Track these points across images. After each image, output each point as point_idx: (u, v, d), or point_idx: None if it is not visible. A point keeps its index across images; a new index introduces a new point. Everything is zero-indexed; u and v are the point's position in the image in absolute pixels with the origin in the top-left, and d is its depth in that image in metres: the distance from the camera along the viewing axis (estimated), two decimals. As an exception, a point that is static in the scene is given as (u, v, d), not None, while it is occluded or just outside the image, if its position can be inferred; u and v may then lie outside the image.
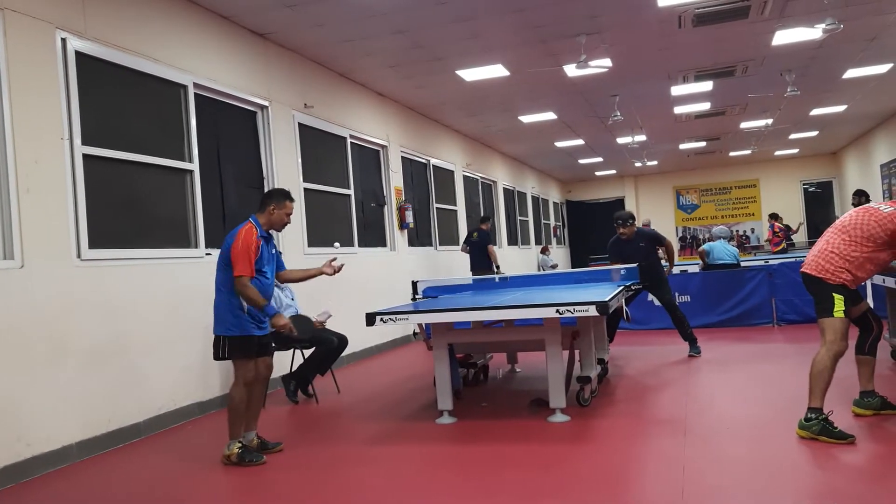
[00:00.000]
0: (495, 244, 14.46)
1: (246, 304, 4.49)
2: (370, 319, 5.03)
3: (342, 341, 6.44)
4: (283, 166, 7.76)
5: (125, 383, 5.33)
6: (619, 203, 25.24)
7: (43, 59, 4.93)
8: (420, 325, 6.11)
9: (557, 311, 4.59)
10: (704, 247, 10.82)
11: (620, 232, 7.53)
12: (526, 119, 13.25)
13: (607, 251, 7.77)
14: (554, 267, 19.27)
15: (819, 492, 3.38)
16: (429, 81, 10.00)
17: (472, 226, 13.14)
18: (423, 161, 12.20)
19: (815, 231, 20.97)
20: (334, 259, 5.14)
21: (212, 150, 6.79)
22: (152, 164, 5.93)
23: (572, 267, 23.55)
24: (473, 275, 11.08)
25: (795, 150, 21.47)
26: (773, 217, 16.74)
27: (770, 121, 15.41)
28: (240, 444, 4.54)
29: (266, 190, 7.49)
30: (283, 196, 4.81)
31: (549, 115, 13.11)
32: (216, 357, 4.61)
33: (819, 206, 23.03)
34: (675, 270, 10.48)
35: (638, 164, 21.39)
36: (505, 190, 17.29)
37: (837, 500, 3.22)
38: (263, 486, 4.07)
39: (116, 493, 4.17)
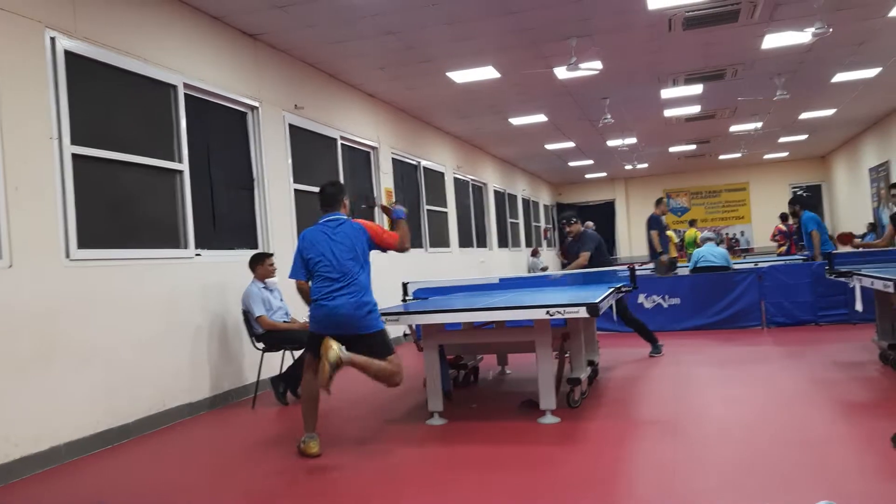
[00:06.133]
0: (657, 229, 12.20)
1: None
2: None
3: (332, 343, 6.41)
4: (274, 167, 7.74)
5: (114, 384, 5.30)
6: (610, 205, 25.32)
7: (32, 58, 4.91)
8: (410, 327, 6.12)
9: (547, 312, 4.60)
10: (693, 255, 10.80)
11: (568, 231, 7.87)
12: (516, 121, 13.27)
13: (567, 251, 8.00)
14: (544, 269, 19.29)
15: (810, 492, 3.39)
16: (419, 83, 10.00)
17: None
18: (414, 163, 12.20)
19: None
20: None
21: (202, 150, 6.77)
22: (142, 164, 5.91)
23: (562, 269, 23.59)
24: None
25: (785, 154, 21.60)
26: (782, 217, 16.29)
27: (760, 124, 15.50)
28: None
29: (254, 190, 7.50)
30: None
31: (540, 118, 13.14)
32: (390, 351, 4.51)
33: (808, 210, 23.13)
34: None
35: (628, 167, 21.47)
36: (495, 192, 17.31)
37: (830, 500, 3.24)
38: (251, 488, 4.06)
39: (105, 495, 4.14)
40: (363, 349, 4.52)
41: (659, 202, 11.59)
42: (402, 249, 4.74)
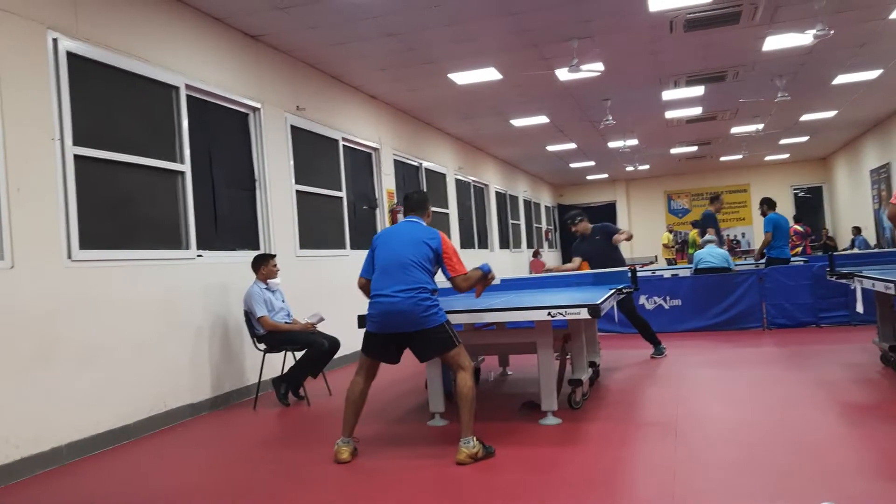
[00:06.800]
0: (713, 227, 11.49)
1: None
2: (362, 322, 5.01)
3: (334, 344, 6.42)
4: (276, 168, 7.75)
5: (115, 385, 5.31)
6: (611, 207, 25.33)
7: (34, 59, 4.92)
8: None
9: (549, 313, 4.60)
10: (694, 256, 10.78)
11: (574, 230, 7.74)
12: (518, 123, 13.28)
13: (572, 252, 7.86)
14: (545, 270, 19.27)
15: (810, 493, 3.39)
16: (421, 84, 10.01)
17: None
18: (415, 164, 12.21)
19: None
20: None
21: (203, 151, 6.77)
22: (144, 166, 5.91)
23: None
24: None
25: (786, 156, 21.60)
26: (795, 219, 16.22)
27: (761, 126, 15.50)
28: (479, 439, 4.27)
29: (256, 191, 7.51)
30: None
31: (541, 119, 13.14)
32: (454, 344, 4.42)
33: (809, 212, 23.17)
34: (667, 275, 10.57)
35: (629, 169, 21.46)
36: (497, 193, 17.31)
37: (831, 501, 3.24)
38: (255, 490, 4.06)
39: (106, 497, 4.15)
40: (422, 347, 4.47)
41: (714, 199, 11.20)
42: (456, 285, 4.55)
